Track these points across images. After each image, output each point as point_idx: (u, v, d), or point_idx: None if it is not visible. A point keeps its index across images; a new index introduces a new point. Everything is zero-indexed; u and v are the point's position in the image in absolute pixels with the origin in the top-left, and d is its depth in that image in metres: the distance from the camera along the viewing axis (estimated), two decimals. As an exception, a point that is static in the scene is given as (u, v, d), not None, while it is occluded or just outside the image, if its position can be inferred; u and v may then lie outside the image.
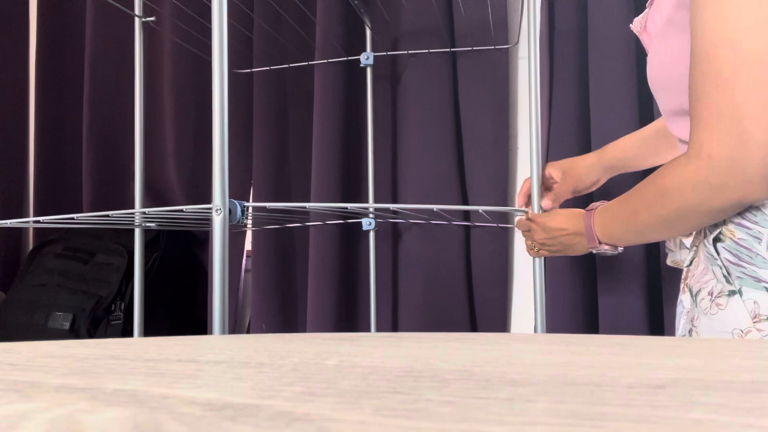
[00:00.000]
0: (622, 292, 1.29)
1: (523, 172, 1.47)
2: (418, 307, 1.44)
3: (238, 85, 1.53)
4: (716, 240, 0.70)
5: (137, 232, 1.28)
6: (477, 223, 1.42)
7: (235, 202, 0.81)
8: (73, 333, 1.49)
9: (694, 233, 0.77)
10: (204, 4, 1.47)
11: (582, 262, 1.32)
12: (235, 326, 1.59)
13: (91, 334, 1.51)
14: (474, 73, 1.43)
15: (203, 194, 1.63)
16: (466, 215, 1.43)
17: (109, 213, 1.00)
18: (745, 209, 0.67)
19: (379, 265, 1.47)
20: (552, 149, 1.35)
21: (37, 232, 1.89)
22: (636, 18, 0.83)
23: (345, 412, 0.18)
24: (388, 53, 1.47)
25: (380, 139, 1.49)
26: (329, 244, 1.47)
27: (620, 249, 0.86)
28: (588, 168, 1.07)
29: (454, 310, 1.42)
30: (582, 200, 1.17)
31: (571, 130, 1.33)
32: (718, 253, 0.69)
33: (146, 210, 0.97)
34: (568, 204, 1.07)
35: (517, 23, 1.44)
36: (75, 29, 1.84)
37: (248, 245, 1.63)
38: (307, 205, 1.01)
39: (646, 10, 0.79)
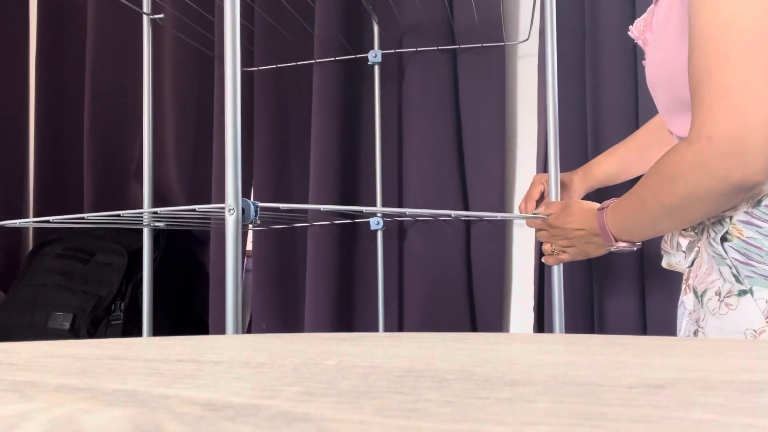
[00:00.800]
0: (622, 292, 1.29)
1: (521, 171, 1.47)
2: (422, 307, 1.44)
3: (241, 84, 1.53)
4: (723, 239, 0.69)
5: (146, 232, 1.28)
6: (478, 213, 1.42)
7: (249, 201, 0.81)
8: (73, 333, 1.49)
9: (694, 234, 0.76)
10: (206, 1, 1.47)
11: (581, 262, 1.31)
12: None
13: (91, 334, 1.51)
14: (477, 70, 1.43)
15: (204, 194, 1.63)
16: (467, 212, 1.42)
17: (120, 213, 1.00)
18: (753, 206, 0.66)
19: (384, 266, 1.47)
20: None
21: (37, 232, 1.89)
22: (637, 20, 0.83)
23: (345, 412, 0.18)
24: (396, 51, 1.45)
25: (384, 137, 1.49)
26: (330, 244, 1.47)
27: (638, 244, 0.84)
28: (570, 187, 1.07)
29: (455, 309, 1.42)
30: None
31: (573, 130, 1.33)
32: (726, 253, 0.68)
33: (158, 210, 0.97)
34: None
35: (521, 20, 1.44)
36: (76, 28, 1.84)
37: (248, 245, 1.63)
38: (321, 207, 1.02)
39: (651, 6, 0.79)
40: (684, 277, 0.79)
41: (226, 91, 0.79)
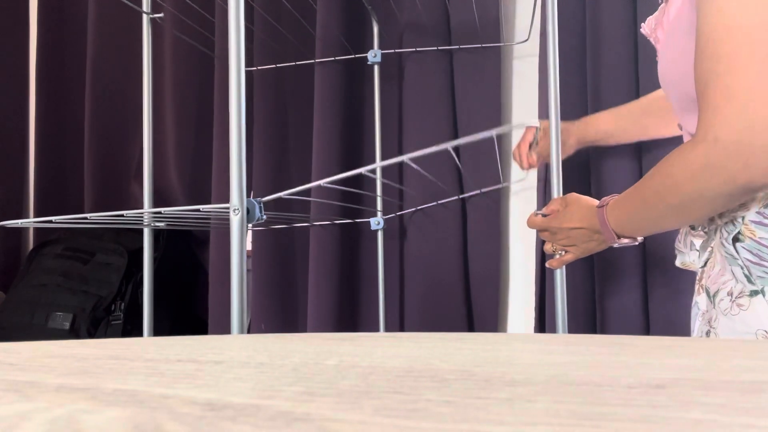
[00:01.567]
0: (622, 291, 1.29)
1: (519, 171, 1.47)
2: (421, 306, 1.44)
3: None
4: (735, 240, 0.68)
5: (146, 232, 1.29)
6: (474, 193, 1.42)
7: (253, 201, 0.81)
8: (73, 333, 1.49)
9: (707, 234, 0.76)
10: (206, 0, 1.47)
11: (581, 262, 1.31)
12: (235, 326, 1.58)
13: (91, 334, 1.51)
14: (475, 70, 1.43)
15: (204, 194, 1.63)
16: (463, 209, 1.43)
17: (123, 213, 1.00)
18: (765, 206, 0.66)
19: (384, 265, 1.47)
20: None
21: (37, 232, 1.89)
22: (649, 18, 0.83)
23: (345, 412, 0.18)
24: (396, 51, 1.45)
25: (384, 137, 1.49)
26: (331, 244, 1.47)
27: (639, 239, 0.84)
28: (565, 136, 1.09)
29: (454, 309, 1.42)
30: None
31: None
32: (738, 253, 0.68)
33: (161, 210, 0.97)
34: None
35: (518, 20, 1.44)
36: (76, 28, 1.84)
37: (248, 245, 1.63)
38: (322, 182, 1.01)
39: (662, 4, 0.79)
40: (697, 277, 0.79)
41: (231, 91, 0.79)
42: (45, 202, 1.83)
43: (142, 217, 1.14)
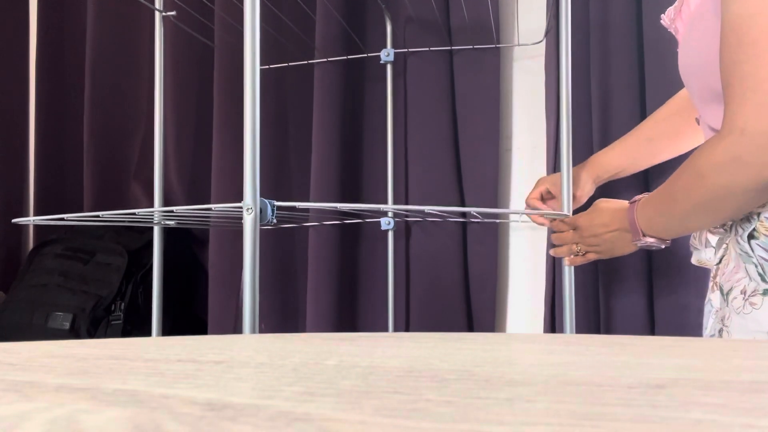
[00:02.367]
0: (624, 291, 1.29)
1: (518, 171, 1.47)
2: (423, 306, 1.44)
3: (242, 84, 1.53)
4: (750, 237, 0.67)
5: (156, 230, 1.29)
6: (476, 214, 1.42)
7: (266, 201, 0.81)
8: (73, 333, 1.49)
9: (723, 231, 0.75)
10: None
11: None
12: (235, 326, 1.59)
13: (91, 334, 1.51)
14: (477, 71, 1.43)
15: (203, 194, 1.63)
16: (464, 212, 1.43)
17: (136, 211, 1.00)
18: None
19: (382, 266, 1.46)
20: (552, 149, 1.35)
21: (38, 231, 1.89)
22: (669, 8, 0.82)
23: (345, 412, 0.18)
24: (410, 50, 1.44)
25: (382, 138, 1.48)
26: (333, 244, 1.47)
27: (667, 242, 0.82)
28: (577, 184, 1.05)
29: (458, 310, 1.42)
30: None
31: (579, 129, 1.32)
32: (752, 251, 0.67)
33: (174, 208, 0.96)
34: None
35: (521, 21, 1.44)
36: (76, 28, 1.84)
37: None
38: (338, 205, 1.01)
39: None
40: (711, 275, 0.78)
41: (245, 90, 0.79)
42: (45, 201, 1.83)
43: (152, 215, 1.15)
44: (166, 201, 1.65)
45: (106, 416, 0.17)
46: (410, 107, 1.46)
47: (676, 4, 0.79)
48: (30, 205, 1.88)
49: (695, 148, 0.72)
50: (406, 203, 1.46)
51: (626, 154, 1.06)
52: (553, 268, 1.33)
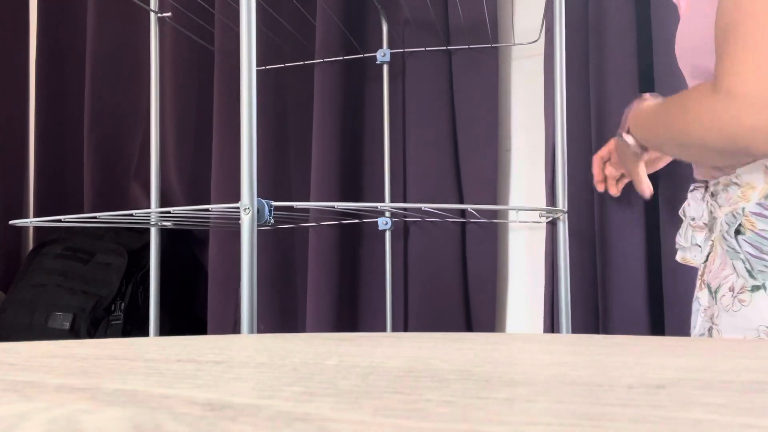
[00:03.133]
0: (623, 291, 1.28)
1: (518, 171, 1.47)
2: (421, 306, 1.44)
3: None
4: (737, 232, 0.67)
5: (153, 232, 1.29)
6: (473, 211, 1.42)
7: (263, 201, 0.81)
8: (73, 333, 1.49)
9: (708, 227, 0.74)
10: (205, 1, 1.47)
11: (582, 262, 1.31)
12: (235, 326, 1.59)
13: (91, 334, 1.51)
14: (476, 71, 1.43)
15: (203, 194, 1.63)
16: (462, 211, 1.42)
17: (133, 212, 1.01)
18: (766, 197, 0.65)
19: (382, 266, 1.46)
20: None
21: (37, 232, 1.89)
22: None
23: (345, 412, 0.18)
24: (405, 50, 1.45)
25: (382, 139, 1.48)
26: (332, 244, 1.47)
27: (642, 151, 0.80)
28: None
29: (457, 310, 1.42)
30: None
31: (579, 128, 1.32)
32: (740, 246, 0.66)
33: (171, 209, 0.97)
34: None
35: (518, 21, 1.44)
36: (76, 28, 1.84)
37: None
38: (335, 204, 1.02)
39: None
40: (699, 273, 0.77)
41: (242, 91, 0.79)
42: (45, 202, 1.83)
43: (149, 216, 1.15)
44: (166, 202, 1.65)
45: (106, 416, 0.17)
46: (408, 108, 1.46)
47: None
48: (30, 206, 1.88)
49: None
50: (405, 201, 1.46)
51: None
52: (552, 268, 1.33)
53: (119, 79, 1.76)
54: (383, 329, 1.46)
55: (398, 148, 1.47)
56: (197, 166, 1.64)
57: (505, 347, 0.34)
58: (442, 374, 0.24)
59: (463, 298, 1.42)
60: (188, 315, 1.72)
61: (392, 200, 1.46)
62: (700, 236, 0.76)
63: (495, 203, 1.43)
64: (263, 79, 1.54)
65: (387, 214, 1.42)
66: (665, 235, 1.23)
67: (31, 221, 1.22)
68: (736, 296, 0.67)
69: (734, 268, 0.67)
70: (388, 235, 1.44)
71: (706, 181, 0.75)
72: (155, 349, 0.33)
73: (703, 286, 0.75)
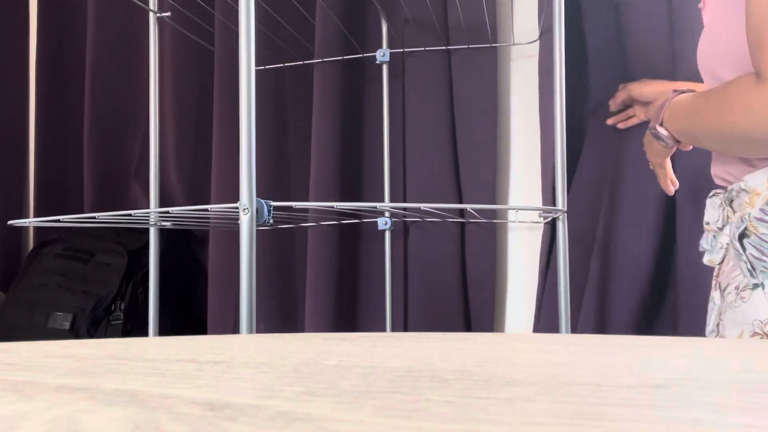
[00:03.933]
0: (623, 291, 1.28)
1: (517, 171, 1.47)
2: (421, 306, 1.44)
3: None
4: (742, 236, 0.70)
5: (152, 232, 1.29)
6: (472, 210, 1.42)
7: (262, 201, 0.81)
8: (73, 333, 1.49)
9: (720, 232, 0.76)
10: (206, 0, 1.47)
11: (582, 262, 1.31)
12: (235, 326, 1.59)
13: (91, 334, 1.51)
14: (472, 71, 1.43)
15: (203, 194, 1.63)
16: (461, 211, 1.42)
17: (132, 212, 1.01)
18: (767, 203, 0.67)
19: (382, 266, 1.46)
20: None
21: (37, 232, 1.89)
22: None
23: (345, 412, 0.18)
24: (406, 50, 1.44)
25: (381, 139, 1.48)
26: (332, 244, 1.47)
27: (674, 145, 0.80)
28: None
29: (452, 308, 1.42)
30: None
31: (576, 128, 1.32)
32: (744, 249, 0.69)
33: (170, 209, 0.97)
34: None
35: (517, 21, 1.44)
36: (76, 28, 1.83)
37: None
38: (334, 204, 1.02)
39: None
40: (714, 274, 0.80)
41: (241, 91, 0.80)
42: (45, 202, 1.83)
43: (149, 216, 1.15)
44: (166, 202, 1.65)
45: (106, 416, 0.17)
46: (408, 107, 1.46)
47: None
48: (30, 206, 1.88)
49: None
50: (404, 201, 1.46)
51: None
52: (546, 268, 1.33)
53: (119, 79, 1.76)
54: (383, 329, 1.46)
55: (398, 148, 1.47)
56: (197, 166, 1.64)
57: (505, 347, 0.34)
58: (442, 374, 0.24)
59: (463, 297, 1.42)
60: (188, 315, 1.72)
61: (392, 200, 1.46)
62: (724, 239, 0.77)
63: (494, 203, 1.43)
64: (262, 79, 1.54)
65: (386, 214, 1.42)
66: (665, 235, 1.23)
67: (30, 221, 1.22)
68: (739, 293, 0.70)
69: (741, 268, 0.70)
70: (387, 235, 1.44)
71: (725, 188, 0.77)
72: (155, 349, 0.33)
73: (717, 286, 0.77)
